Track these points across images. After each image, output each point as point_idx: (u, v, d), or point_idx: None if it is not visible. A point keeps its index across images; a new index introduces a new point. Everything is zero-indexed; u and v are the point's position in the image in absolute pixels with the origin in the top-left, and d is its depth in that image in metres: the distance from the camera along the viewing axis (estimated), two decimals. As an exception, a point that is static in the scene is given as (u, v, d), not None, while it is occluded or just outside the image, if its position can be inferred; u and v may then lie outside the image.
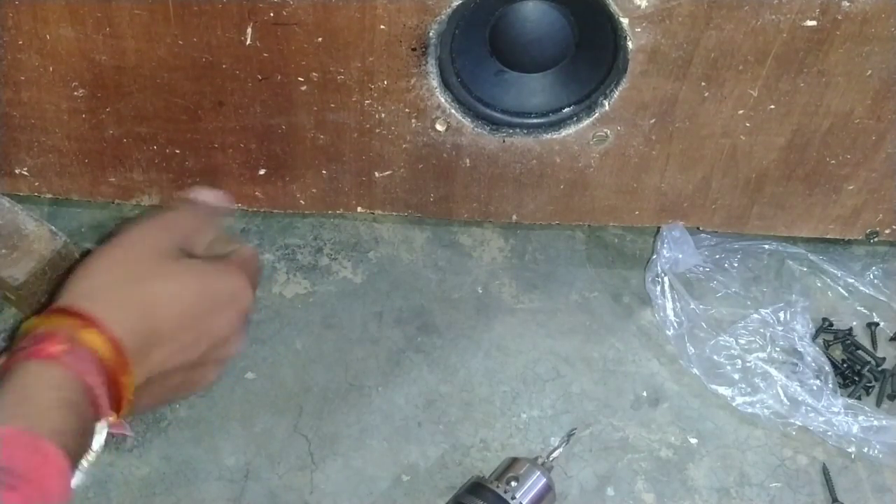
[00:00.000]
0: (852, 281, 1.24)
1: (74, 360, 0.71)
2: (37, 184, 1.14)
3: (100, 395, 0.72)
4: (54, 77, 1.03)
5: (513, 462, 1.04)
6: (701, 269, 1.23)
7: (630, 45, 0.99)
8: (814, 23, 0.97)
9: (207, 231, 0.91)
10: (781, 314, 1.19)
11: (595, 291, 1.23)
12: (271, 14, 0.97)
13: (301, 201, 1.16)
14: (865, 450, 1.11)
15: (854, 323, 1.23)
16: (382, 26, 0.98)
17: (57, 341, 0.72)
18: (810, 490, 1.11)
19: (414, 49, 1.00)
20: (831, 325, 1.23)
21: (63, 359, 0.71)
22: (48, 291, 1.09)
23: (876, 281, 1.24)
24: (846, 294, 1.25)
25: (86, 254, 1.10)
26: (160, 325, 0.78)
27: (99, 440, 0.74)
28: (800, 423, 1.12)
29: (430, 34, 0.99)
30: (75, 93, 1.04)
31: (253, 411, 1.11)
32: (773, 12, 0.96)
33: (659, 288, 1.17)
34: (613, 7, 0.96)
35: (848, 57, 1.00)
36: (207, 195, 0.95)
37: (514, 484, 1.01)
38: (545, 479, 1.02)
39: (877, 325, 1.23)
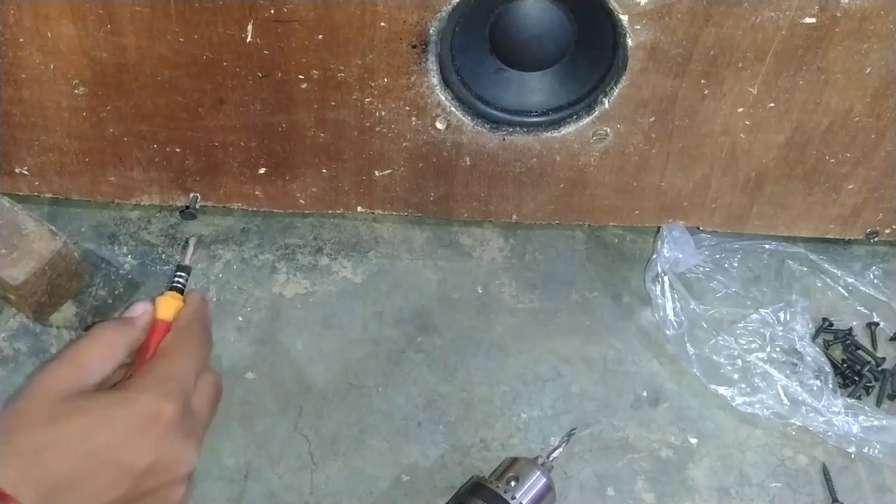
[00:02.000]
0: (852, 281, 1.24)
1: None
2: (37, 183, 1.14)
3: None
4: (55, 74, 1.04)
5: (513, 462, 1.03)
6: (701, 268, 1.23)
7: (629, 42, 1.00)
8: (813, 20, 0.98)
9: (119, 354, 0.86)
10: (781, 314, 1.19)
11: (595, 291, 1.24)
12: (272, 11, 0.98)
13: (301, 201, 1.17)
14: (865, 450, 1.11)
15: (854, 323, 1.23)
16: (383, 23, 0.99)
17: None
18: (810, 490, 1.11)
19: (414, 46, 1.01)
20: (831, 325, 1.23)
21: None
22: (48, 292, 1.10)
23: (876, 281, 1.24)
24: (846, 294, 1.25)
25: (86, 255, 1.11)
26: (62, 476, 0.74)
27: None
28: (800, 424, 1.12)
29: (431, 31, 1.00)
30: (76, 90, 1.05)
31: (253, 411, 1.11)
32: (773, 9, 0.97)
33: (659, 288, 1.17)
34: (613, 4, 0.97)
35: (847, 54, 1.01)
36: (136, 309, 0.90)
37: (514, 484, 1.00)
38: (545, 479, 1.02)
39: (877, 324, 1.23)
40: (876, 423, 1.11)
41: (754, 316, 1.18)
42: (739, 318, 1.19)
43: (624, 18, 0.98)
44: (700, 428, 1.14)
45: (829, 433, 1.11)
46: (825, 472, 1.12)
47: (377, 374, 1.15)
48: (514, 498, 0.99)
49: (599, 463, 1.11)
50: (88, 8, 0.98)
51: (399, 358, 1.16)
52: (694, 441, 1.13)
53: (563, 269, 1.25)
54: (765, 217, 1.20)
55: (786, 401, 1.12)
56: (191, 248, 0.99)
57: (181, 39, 1.00)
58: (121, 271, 1.19)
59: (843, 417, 1.11)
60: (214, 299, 1.18)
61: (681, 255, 1.19)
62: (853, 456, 1.13)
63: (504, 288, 1.23)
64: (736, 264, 1.24)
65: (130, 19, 0.99)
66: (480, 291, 1.22)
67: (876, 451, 1.11)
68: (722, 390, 1.14)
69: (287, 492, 1.06)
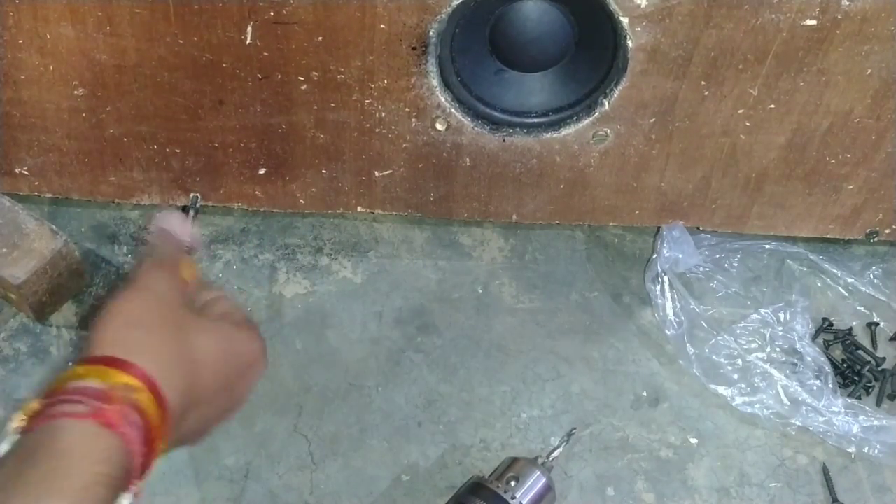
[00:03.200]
0: (852, 281, 1.25)
1: (129, 429, 0.67)
2: (37, 183, 1.14)
3: (137, 464, 0.68)
4: (55, 76, 1.04)
5: (513, 462, 1.04)
6: (701, 268, 1.24)
7: (630, 43, 1.00)
8: (813, 22, 0.97)
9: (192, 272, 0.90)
10: (781, 314, 1.19)
11: (595, 291, 1.24)
12: (271, 13, 0.98)
13: (301, 200, 1.17)
14: (865, 450, 1.12)
15: (854, 323, 1.24)
16: (382, 25, 0.98)
17: (115, 404, 0.67)
18: (810, 490, 1.12)
19: (414, 48, 1.01)
20: (831, 325, 1.23)
21: (120, 428, 0.66)
22: (48, 291, 1.10)
23: (876, 281, 1.24)
24: (846, 294, 1.25)
25: (86, 254, 1.10)
26: (201, 388, 0.77)
27: None
28: (800, 424, 1.13)
29: (431, 33, 0.99)
30: (75, 92, 1.05)
31: (253, 411, 1.11)
32: (773, 11, 0.96)
33: (659, 287, 1.18)
34: (613, 6, 0.97)
35: (847, 56, 1.01)
36: (174, 222, 0.93)
37: (514, 484, 1.01)
38: (545, 479, 1.02)
39: (877, 324, 1.24)
40: (876, 422, 1.12)
41: (754, 316, 1.19)
42: (739, 318, 1.20)
43: (624, 20, 0.98)
44: (700, 428, 1.15)
45: (829, 433, 1.12)
46: (825, 472, 1.13)
47: (377, 374, 1.15)
48: (514, 498, 0.99)
49: (599, 463, 1.12)
50: (87, 10, 0.98)
51: (399, 358, 1.17)
52: (694, 441, 1.14)
53: (563, 269, 1.25)
54: (765, 217, 1.20)
55: (786, 401, 1.13)
56: (190, 217, 1.02)
57: (180, 41, 1.00)
58: (121, 271, 1.19)
59: (843, 417, 1.12)
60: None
61: (681, 255, 1.19)
62: (853, 456, 1.14)
63: (504, 288, 1.23)
64: (736, 264, 1.25)
65: (130, 21, 0.98)
66: (480, 291, 1.22)
67: (876, 451, 1.12)
68: (722, 390, 1.14)
69: (287, 491, 1.07)
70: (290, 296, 1.20)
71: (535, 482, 1.02)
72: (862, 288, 1.25)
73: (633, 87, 1.04)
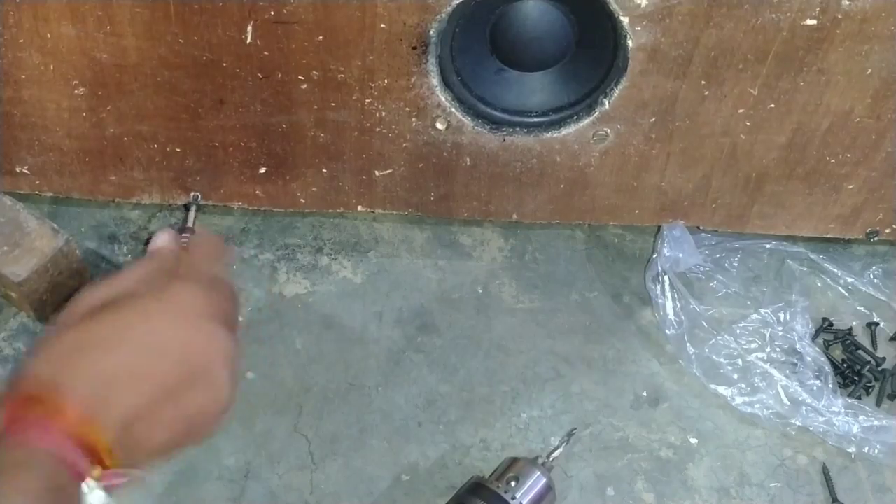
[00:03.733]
0: (852, 280, 1.24)
1: (43, 438, 0.69)
2: (37, 182, 1.14)
3: (74, 461, 0.69)
4: (55, 75, 1.04)
5: (513, 462, 1.04)
6: (701, 268, 1.24)
7: (630, 43, 1.00)
8: (814, 21, 0.97)
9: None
10: (781, 314, 1.19)
11: (595, 291, 1.24)
12: (272, 13, 0.98)
13: (301, 200, 1.17)
14: (865, 450, 1.12)
15: (854, 323, 1.24)
16: (383, 25, 0.99)
17: (21, 424, 0.69)
18: (810, 490, 1.12)
19: (414, 48, 1.01)
20: (831, 324, 1.23)
21: (32, 440, 0.69)
22: (49, 289, 1.10)
23: (876, 281, 1.24)
24: (846, 294, 1.25)
25: (87, 253, 1.10)
26: (109, 369, 0.75)
27: (95, 499, 0.72)
28: (800, 424, 1.13)
29: (431, 33, 0.99)
30: (76, 91, 1.05)
31: (253, 411, 1.11)
32: (773, 11, 0.97)
33: (659, 287, 1.18)
34: (613, 6, 0.97)
35: (848, 56, 1.01)
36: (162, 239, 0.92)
37: (514, 484, 1.01)
38: (545, 479, 1.02)
39: (877, 324, 1.23)
40: (876, 422, 1.12)
41: (754, 316, 1.19)
42: (739, 317, 1.20)
43: (625, 20, 0.98)
44: (700, 428, 1.15)
45: (829, 433, 1.12)
46: (825, 472, 1.13)
47: (377, 374, 1.15)
48: (514, 498, 0.99)
49: (599, 463, 1.12)
50: (88, 9, 0.98)
51: (399, 358, 1.17)
52: (694, 441, 1.14)
53: (563, 269, 1.25)
54: (765, 217, 1.20)
55: (786, 401, 1.13)
56: (192, 212, 1.06)
57: (181, 41, 1.00)
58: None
59: (843, 417, 1.12)
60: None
61: (681, 255, 1.19)
62: (853, 456, 1.13)
63: (504, 288, 1.23)
64: (736, 264, 1.25)
65: (130, 21, 0.98)
66: (480, 291, 1.22)
67: (876, 451, 1.12)
68: (722, 390, 1.15)
69: (287, 491, 1.07)
70: (290, 296, 1.19)
71: (535, 482, 1.02)
72: (862, 288, 1.25)
73: (634, 87, 1.04)
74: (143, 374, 0.75)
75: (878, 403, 1.18)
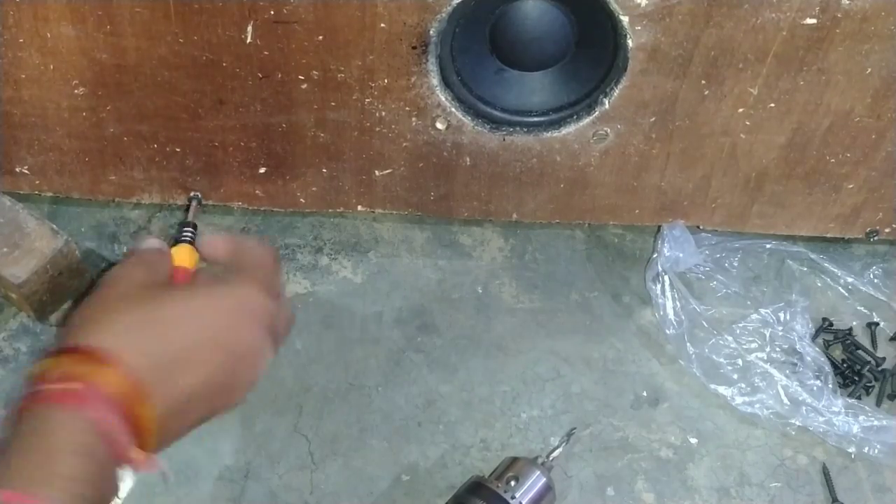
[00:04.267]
0: (852, 280, 1.24)
1: (90, 402, 0.69)
2: (37, 182, 1.14)
3: (117, 437, 0.70)
4: (55, 75, 1.04)
5: (513, 462, 1.04)
6: (701, 268, 1.24)
7: (630, 43, 1.00)
8: (814, 21, 0.97)
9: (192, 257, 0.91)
10: (781, 314, 1.19)
11: (595, 291, 1.24)
12: (272, 12, 0.98)
13: (301, 199, 1.17)
14: (865, 450, 1.12)
15: (854, 323, 1.23)
16: (383, 24, 0.99)
17: (70, 383, 0.69)
18: (810, 490, 1.12)
19: (414, 47, 1.01)
20: (831, 324, 1.23)
21: (77, 403, 0.69)
22: (49, 290, 1.10)
23: (876, 281, 1.24)
24: (846, 294, 1.25)
25: (87, 254, 1.11)
26: (175, 350, 0.76)
27: (125, 486, 0.72)
28: (800, 424, 1.13)
29: (431, 32, 0.99)
30: (76, 91, 1.05)
31: (253, 411, 1.11)
32: (773, 11, 0.97)
33: (659, 287, 1.18)
34: (613, 5, 0.97)
35: (848, 55, 1.01)
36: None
37: (513, 483, 1.01)
38: (545, 479, 1.02)
39: (877, 324, 1.23)
40: (876, 423, 1.12)
41: (754, 316, 1.19)
42: (739, 317, 1.20)
43: (624, 20, 0.98)
44: (700, 428, 1.15)
45: (829, 433, 1.12)
46: (825, 472, 1.13)
47: (377, 374, 1.15)
48: (513, 498, 1.00)
49: (599, 463, 1.12)
50: (88, 9, 0.98)
51: (399, 358, 1.16)
52: (694, 441, 1.14)
53: (563, 269, 1.25)
54: (765, 216, 1.20)
55: (786, 401, 1.13)
56: (193, 207, 1.08)
57: (181, 41, 1.00)
58: (121, 271, 1.19)
59: (843, 417, 1.12)
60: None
61: (681, 255, 1.20)
62: (853, 456, 1.13)
63: (504, 288, 1.23)
64: (736, 264, 1.25)
65: (130, 21, 0.98)
66: (480, 291, 1.22)
67: (876, 451, 1.12)
68: (722, 390, 1.15)
69: (287, 491, 1.07)
70: (290, 296, 1.19)
71: (535, 482, 1.02)
72: (862, 288, 1.25)
73: (634, 87, 1.04)
74: (198, 362, 0.77)
75: (878, 403, 1.18)
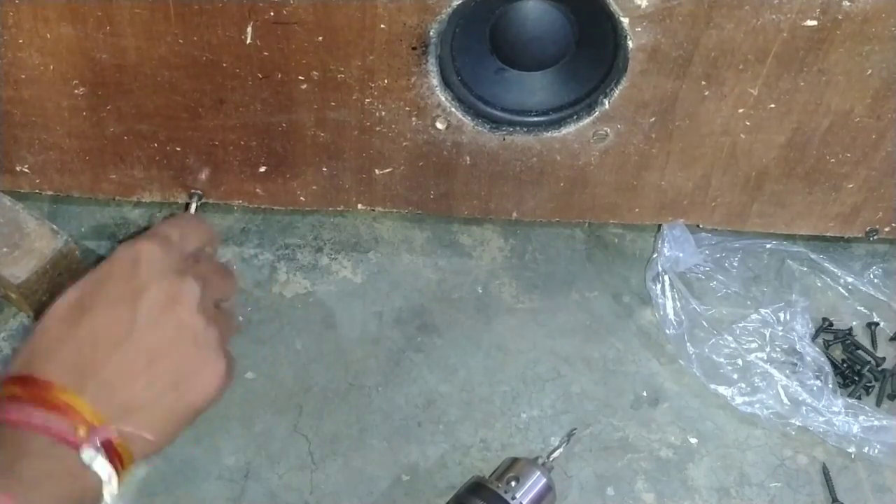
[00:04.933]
0: (852, 280, 1.23)
1: (25, 415, 0.73)
2: (37, 181, 1.14)
3: (52, 428, 0.73)
4: (55, 75, 1.04)
5: (513, 462, 1.03)
6: (701, 268, 1.23)
7: (630, 44, 1.00)
8: (814, 22, 0.97)
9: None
10: (781, 314, 1.18)
11: (595, 291, 1.23)
12: (271, 13, 0.97)
13: (301, 198, 1.17)
14: (865, 450, 1.11)
15: (854, 323, 1.22)
16: (383, 25, 0.98)
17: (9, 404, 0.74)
18: (810, 490, 1.11)
19: (414, 48, 1.01)
20: (831, 324, 1.22)
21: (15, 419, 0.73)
22: (49, 290, 1.10)
23: (876, 280, 1.23)
24: (846, 294, 1.24)
25: (87, 254, 1.11)
26: (83, 348, 0.79)
27: (102, 470, 0.74)
28: (800, 424, 1.12)
29: (431, 33, 0.99)
30: (76, 91, 1.05)
31: (253, 411, 1.11)
32: (774, 12, 0.96)
33: (659, 287, 1.17)
34: (614, 6, 0.97)
35: (848, 56, 1.01)
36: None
37: (514, 484, 1.01)
38: (545, 479, 1.02)
39: (877, 324, 1.22)
40: (876, 423, 1.11)
41: (754, 316, 1.18)
42: (739, 317, 1.19)
43: (625, 21, 0.97)
44: (700, 428, 1.14)
45: (830, 433, 1.11)
46: (825, 472, 1.12)
47: (377, 374, 1.15)
48: (514, 498, 0.99)
49: (599, 463, 1.11)
50: (87, 10, 0.97)
51: (399, 358, 1.16)
52: (694, 441, 1.13)
53: (563, 269, 1.24)
54: (764, 215, 1.20)
55: (786, 401, 1.12)
56: (194, 205, 1.11)
57: (181, 41, 1.00)
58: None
59: (843, 417, 1.11)
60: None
61: (681, 255, 1.19)
62: (853, 456, 1.12)
63: (504, 288, 1.22)
64: (736, 264, 1.24)
65: (129, 21, 0.98)
66: (480, 291, 1.22)
67: (876, 451, 1.11)
68: (722, 390, 1.14)
69: (287, 492, 1.06)
70: (290, 296, 1.19)
71: (535, 482, 1.01)
72: (862, 288, 1.23)
73: (634, 87, 1.04)
74: (119, 348, 0.80)
75: (878, 403, 1.17)
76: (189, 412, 0.84)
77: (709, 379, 1.14)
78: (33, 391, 0.75)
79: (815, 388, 1.12)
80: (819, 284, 1.24)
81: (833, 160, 1.12)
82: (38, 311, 1.12)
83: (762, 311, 1.18)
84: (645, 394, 1.16)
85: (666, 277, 1.17)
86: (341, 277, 1.21)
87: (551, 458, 1.07)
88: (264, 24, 0.98)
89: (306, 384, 1.13)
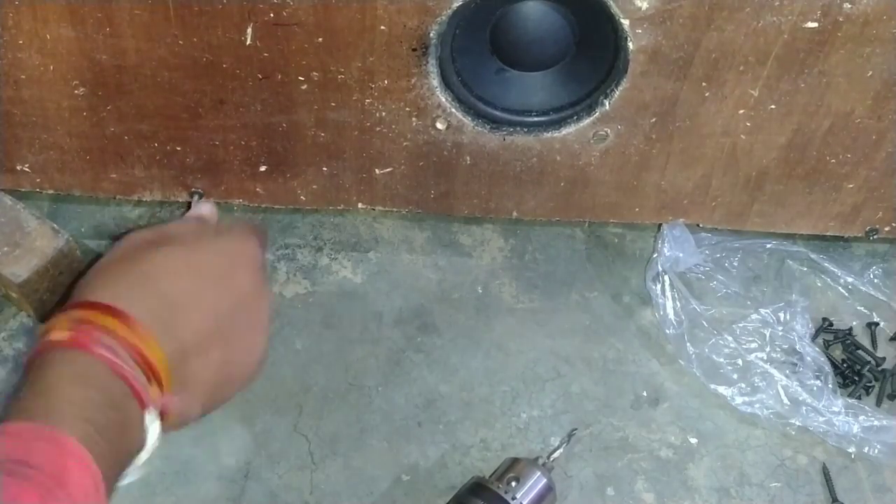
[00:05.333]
0: (852, 280, 1.23)
1: (92, 342, 0.71)
2: (38, 180, 1.14)
3: (135, 381, 0.72)
4: (55, 76, 1.04)
5: (513, 462, 1.04)
6: (701, 268, 1.23)
7: (631, 45, 1.00)
8: (815, 24, 0.97)
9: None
10: (781, 314, 1.18)
11: (595, 291, 1.23)
12: (271, 15, 0.97)
13: (302, 197, 1.17)
14: (866, 450, 1.11)
15: (854, 323, 1.22)
16: (383, 27, 0.98)
17: (73, 331, 0.72)
18: (810, 490, 1.11)
19: (414, 49, 1.01)
20: (831, 324, 1.22)
21: (80, 345, 0.71)
22: (50, 289, 1.10)
23: (876, 280, 1.23)
24: (846, 294, 1.24)
25: (87, 253, 1.11)
26: (170, 292, 0.78)
27: (153, 433, 0.74)
28: (800, 424, 1.12)
29: (431, 35, 0.99)
30: (76, 91, 1.05)
31: (253, 411, 1.11)
32: (775, 14, 0.96)
33: (659, 287, 1.17)
34: (614, 8, 0.97)
35: (848, 58, 1.01)
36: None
37: (514, 484, 1.01)
38: (546, 480, 1.02)
39: (877, 324, 1.22)
40: (876, 422, 1.11)
41: (754, 316, 1.18)
42: (739, 317, 1.19)
43: (625, 23, 0.97)
44: (700, 428, 1.14)
45: (830, 433, 1.11)
46: (825, 472, 1.12)
47: (377, 374, 1.15)
48: (514, 498, 0.99)
49: (599, 463, 1.11)
50: (87, 11, 0.97)
51: (399, 358, 1.16)
52: (694, 441, 1.14)
53: (563, 269, 1.24)
54: (765, 215, 1.20)
55: (786, 401, 1.12)
56: (195, 202, 1.12)
57: (181, 42, 1.00)
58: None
59: (843, 417, 1.11)
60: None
61: (681, 255, 1.19)
62: (853, 456, 1.13)
63: (504, 288, 1.22)
64: (736, 264, 1.24)
65: (129, 23, 0.98)
66: (480, 291, 1.22)
67: (876, 451, 1.11)
68: (722, 390, 1.14)
69: (287, 492, 1.06)
70: (290, 296, 1.19)
71: (535, 482, 1.02)
72: (862, 288, 1.23)
73: (634, 88, 1.04)
74: (201, 304, 0.80)
75: (879, 403, 1.17)
76: (233, 390, 0.86)
77: (709, 379, 1.14)
78: (122, 327, 0.74)
79: (815, 389, 1.12)
80: (819, 284, 1.24)
81: (833, 161, 1.12)
82: (39, 311, 1.12)
83: (762, 311, 1.18)
84: (645, 394, 1.16)
85: (666, 277, 1.17)
86: (341, 277, 1.21)
87: (551, 459, 1.07)
88: (264, 25, 0.98)
89: (306, 384, 1.13)
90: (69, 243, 1.08)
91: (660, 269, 1.18)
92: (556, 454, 1.07)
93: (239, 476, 1.07)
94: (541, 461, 1.06)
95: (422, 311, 1.20)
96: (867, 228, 1.21)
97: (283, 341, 1.15)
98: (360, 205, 1.19)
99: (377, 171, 1.14)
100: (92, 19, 0.98)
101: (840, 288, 1.24)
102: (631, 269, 1.25)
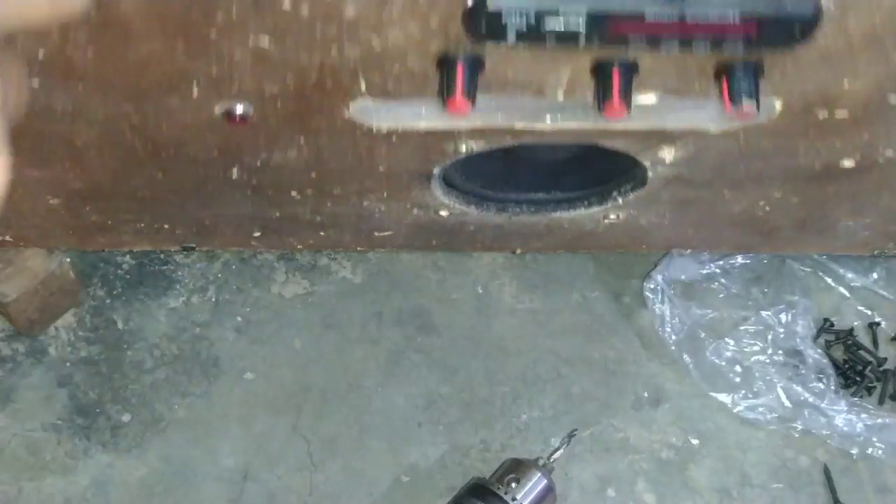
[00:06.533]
0: (853, 281, 1.23)
1: None
2: (21, 244, 1.06)
3: None
4: (25, 195, 0.94)
5: (513, 463, 1.00)
6: (702, 269, 1.22)
7: (650, 175, 0.90)
8: (851, 164, 0.90)
9: None
10: (783, 315, 1.16)
11: (595, 291, 1.21)
12: (258, 164, 0.88)
13: (298, 246, 1.09)
14: (868, 450, 1.09)
15: (855, 323, 1.18)
16: (381, 168, 0.89)
17: None
18: (812, 491, 1.09)
19: (416, 178, 0.90)
20: (832, 325, 1.17)
21: None
22: (40, 309, 1.06)
23: (877, 281, 1.23)
24: (847, 294, 1.20)
25: (84, 254, 1.10)
26: None
27: None
28: (802, 424, 1.10)
29: (434, 171, 0.89)
30: (51, 202, 0.95)
31: (252, 412, 1.09)
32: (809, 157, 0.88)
33: (660, 290, 1.17)
34: (640, 162, 0.87)
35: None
36: None
37: (514, 485, 0.98)
38: (546, 481, 0.99)
39: (878, 324, 1.18)
40: (878, 422, 1.09)
41: (755, 318, 1.16)
42: (741, 320, 1.15)
43: (647, 163, 0.88)
44: (701, 428, 1.12)
45: (832, 434, 1.09)
46: (827, 473, 1.11)
47: (377, 375, 1.13)
48: (514, 499, 0.97)
49: (600, 464, 1.09)
50: (54, 159, 0.88)
51: (399, 358, 1.14)
52: (695, 441, 1.12)
53: (564, 269, 1.22)
54: (773, 247, 1.15)
55: (787, 402, 1.10)
56: None
57: (160, 177, 0.91)
58: (119, 271, 1.18)
59: (845, 417, 1.09)
60: (213, 299, 1.17)
61: (683, 277, 1.18)
62: (855, 456, 1.11)
63: (504, 288, 1.20)
64: (737, 264, 1.23)
65: (101, 165, 0.89)
66: (480, 291, 1.20)
67: (878, 451, 1.09)
68: (722, 397, 1.12)
69: (286, 492, 1.05)
70: (290, 296, 1.18)
71: (535, 483, 0.99)
72: (863, 288, 1.23)
73: (651, 194, 0.95)
74: None
75: (881, 403, 1.14)
76: None
77: (710, 382, 1.12)
78: None
79: (817, 389, 1.10)
80: (820, 285, 1.22)
81: (850, 222, 1.05)
82: (27, 327, 1.08)
83: (763, 312, 1.15)
84: (646, 394, 1.14)
85: (666, 285, 1.16)
86: (341, 277, 1.19)
87: (552, 459, 1.04)
88: (250, 167, 0.88)
89: (306, 385, 1.11)
90: (62, 265, 1.04)
91: (660, 278, 1.17)
92: (556, 455, 1.04)
93: (238, 477, 1.05)
94: (541, 462, 1.03)
95: (422, 311, 1.18)
96: (874, 251, 1.14)
97: (283, 341, 1.13)
98: (358, 249, 1.11)
99: (377, 233, 1.04)
100: (60, 165, 0.89)
101: (841, 288, 1.21)
102: (632, 269, 1.23)
